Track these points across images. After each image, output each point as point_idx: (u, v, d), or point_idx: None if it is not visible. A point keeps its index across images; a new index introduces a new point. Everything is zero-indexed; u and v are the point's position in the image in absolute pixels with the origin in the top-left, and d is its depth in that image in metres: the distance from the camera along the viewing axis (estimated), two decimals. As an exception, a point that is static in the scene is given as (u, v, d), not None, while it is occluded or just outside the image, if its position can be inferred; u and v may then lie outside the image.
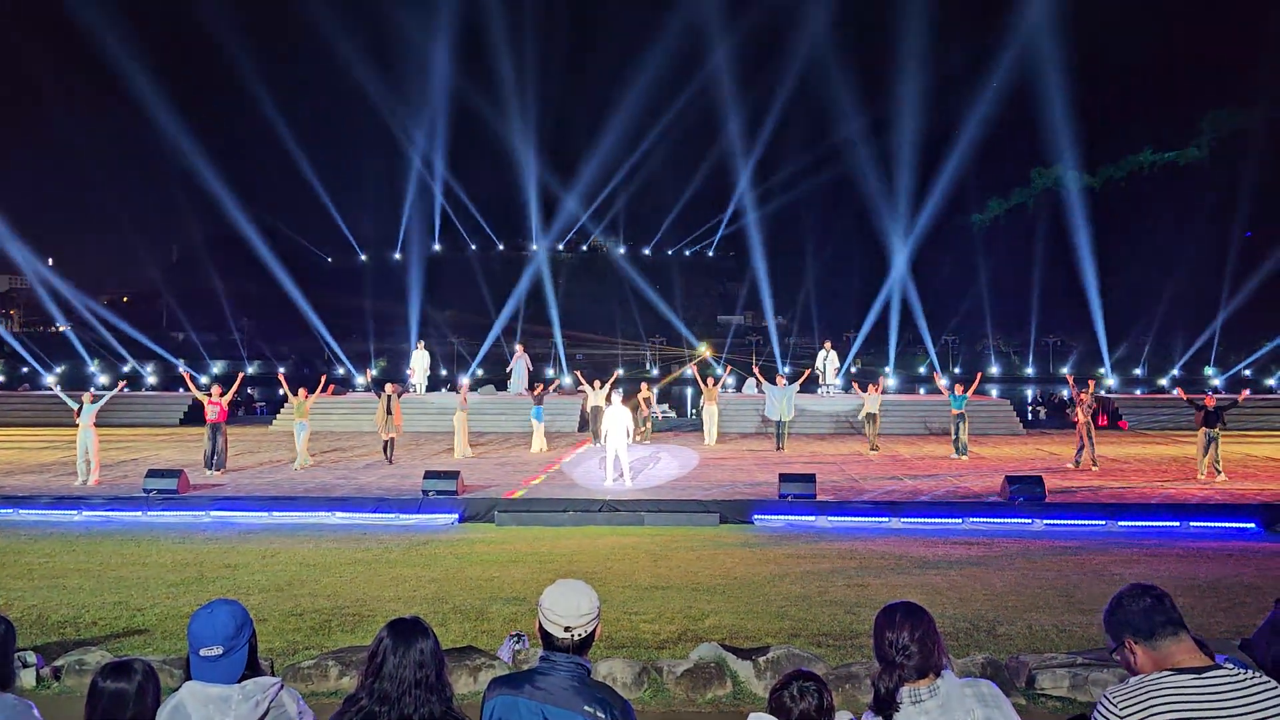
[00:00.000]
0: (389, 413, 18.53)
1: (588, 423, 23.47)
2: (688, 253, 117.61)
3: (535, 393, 21.54)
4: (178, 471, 14.99)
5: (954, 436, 19.72)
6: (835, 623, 8.27)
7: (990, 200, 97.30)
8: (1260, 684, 2.42)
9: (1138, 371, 67.08)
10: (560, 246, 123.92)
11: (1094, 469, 17.70)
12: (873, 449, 20.78)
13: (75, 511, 14.16)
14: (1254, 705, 2.38)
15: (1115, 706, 2.42)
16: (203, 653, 2.63)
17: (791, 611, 8.68)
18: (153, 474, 14.94)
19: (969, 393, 19.56)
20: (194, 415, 27.93)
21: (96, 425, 16.17)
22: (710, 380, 23.09)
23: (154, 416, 28.49)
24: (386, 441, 18.79)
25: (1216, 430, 16.29)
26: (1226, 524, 13.21)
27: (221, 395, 17.63)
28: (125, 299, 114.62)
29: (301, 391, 18.36)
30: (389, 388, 18.86)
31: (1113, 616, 2.57)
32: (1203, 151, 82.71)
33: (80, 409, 16.05)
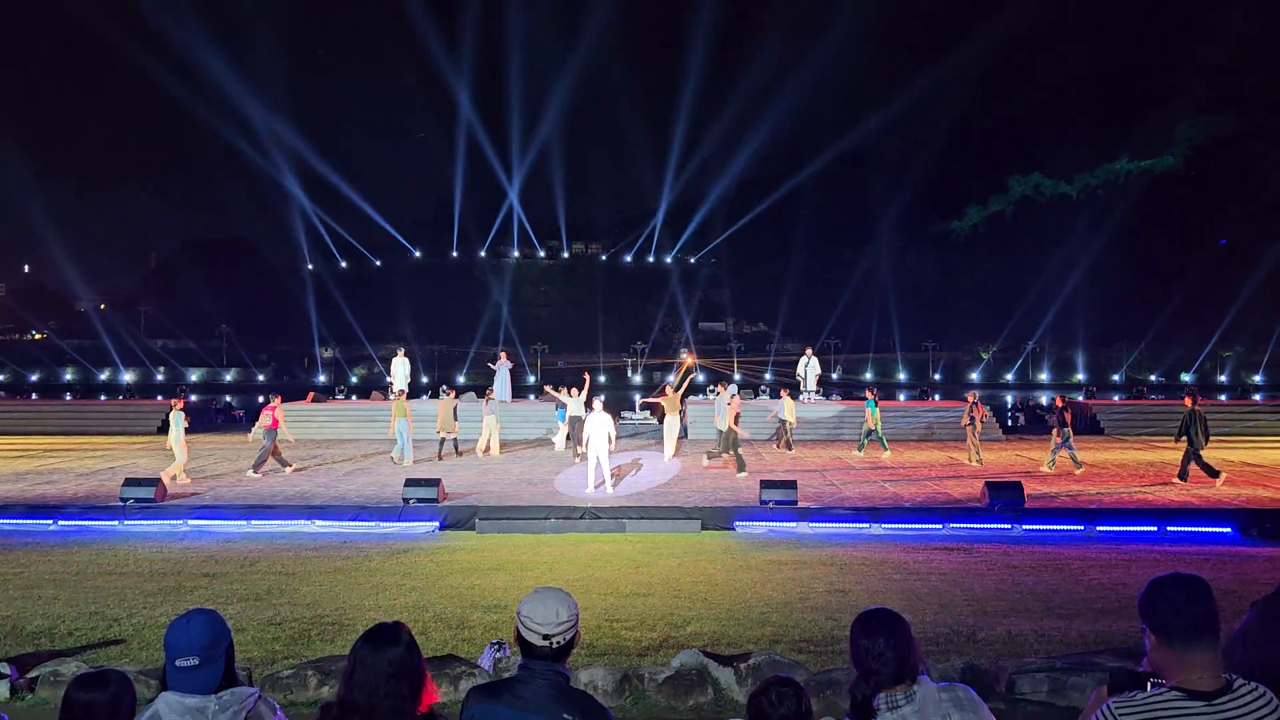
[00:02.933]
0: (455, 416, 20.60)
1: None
2: (668, 259, 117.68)
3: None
4: (155, 480, 14.85)
5: (867, 437, 21.46)
6: (817, 629, 8.29)
7: (969, 207, 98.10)
8: (1274, 709, 2.32)
9: (1116, 377, 67.64)
10: (542, 254, 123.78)
11: (977, 465, 19.29)
12: (787, 447, 22.11)
13: (50, 521, 14.00)
14: None
15: None
16: (179, 663, 2.60)
17: (773, 618, 8.70)
18: (130, 483, 14.79)
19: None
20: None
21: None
22: (668, 388, 20.84)
23: (131, 425, 28.22)
24: (453, 439, 20.62)
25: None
26: (1203, 528, 13.36)
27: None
28: (102, 305, 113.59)
29: (400, 393, 21.51)
30: (451, 393, 21.30)
31: (1147, 605, 2.49)
32: (1177, 159, 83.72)
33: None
